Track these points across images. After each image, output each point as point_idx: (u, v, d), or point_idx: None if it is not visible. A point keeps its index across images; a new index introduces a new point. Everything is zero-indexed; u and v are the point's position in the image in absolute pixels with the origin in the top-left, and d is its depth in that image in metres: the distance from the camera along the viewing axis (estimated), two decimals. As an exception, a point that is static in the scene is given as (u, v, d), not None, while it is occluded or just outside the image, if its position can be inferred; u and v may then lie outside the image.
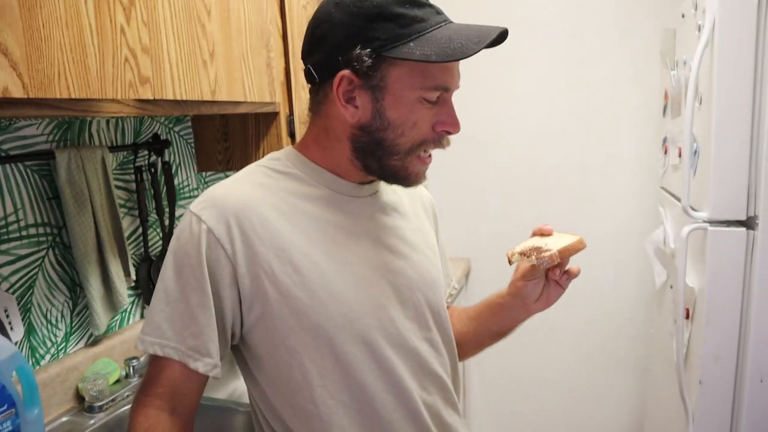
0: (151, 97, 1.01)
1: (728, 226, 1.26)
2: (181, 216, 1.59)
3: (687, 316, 1.37)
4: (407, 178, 0.82)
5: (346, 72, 0.76)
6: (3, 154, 1.11)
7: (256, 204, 0.78)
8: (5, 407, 0.97)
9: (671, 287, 1.57)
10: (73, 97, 0.85)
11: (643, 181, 2.13)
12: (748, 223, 1.25)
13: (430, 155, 0.82)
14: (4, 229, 1.12)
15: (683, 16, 1.49)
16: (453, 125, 0.80)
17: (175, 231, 0.79)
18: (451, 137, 0.83)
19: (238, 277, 0.76)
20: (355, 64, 0.75)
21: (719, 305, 1.26)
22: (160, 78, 1.03)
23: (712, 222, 1.27)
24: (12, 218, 1.13)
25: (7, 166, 1.12)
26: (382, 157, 0.80)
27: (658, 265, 1.72)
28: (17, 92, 0.76)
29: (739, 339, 1.25)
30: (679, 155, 1.51)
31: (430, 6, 0.78)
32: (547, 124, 2.22)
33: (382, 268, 0.84)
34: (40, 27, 0.79)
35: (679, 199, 1.52)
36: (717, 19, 1.19)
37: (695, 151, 1.34)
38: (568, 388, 2.34)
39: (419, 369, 0.85)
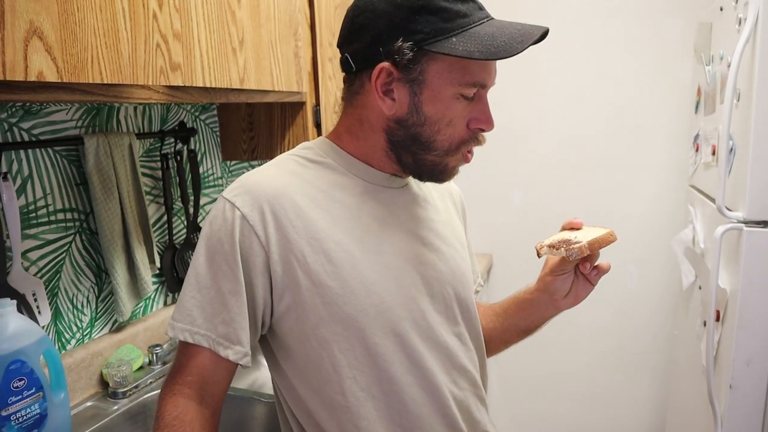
0: (181, 84, 1.00)
1: (764, 227, 1.22)
2: (206, 204, 1.59)
3: (718, 318, 1.34)
4: (443, 174, 0.82)
5: (386, 64, 0.75)
6: (33, 139, 1.12)
7: (290, 191, 0.78)
8: (33, 390, 0.98)
9: (700, 288, 1.53)
10: (105, 82, 0.85)
11: (672, 178, 2.09)
12: (785, 224, 1.22)
13: (471, 152, 0.82)
14: (34, 214, 1.12)
15: (721, 9, 1.45)
16: (487, 122, 0.79)
17: (208, 217, 0.79)
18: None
19: (270, 264, 0.75)
20: (396, 56, 0.74)
21: (752, 308, 1.23)
22: (191, 65, 1.02)
23: (747, 222, 1.23)
24: (41, 203, 1.14)
25: (38, 150, 1.13)
26: (417, 152, 0.79)
27: (687, 265, 1.69)
28: (51, 76, 0.76)
29: (773, 342, 1.22)
30: (713, 153, 1.47)
31: (473, 1, 0.77)
32: (574, 119, 2.19)
33: (413, 259, 0.83)
34: (74, 11, 0.79)
35: (711, 198, 1.49)
36: (761, 12, 1.15)
37: (731, 150, 1.30)
38: (588, 387, 2.32)
39: (449, 363, 0.84)
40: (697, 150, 1.71)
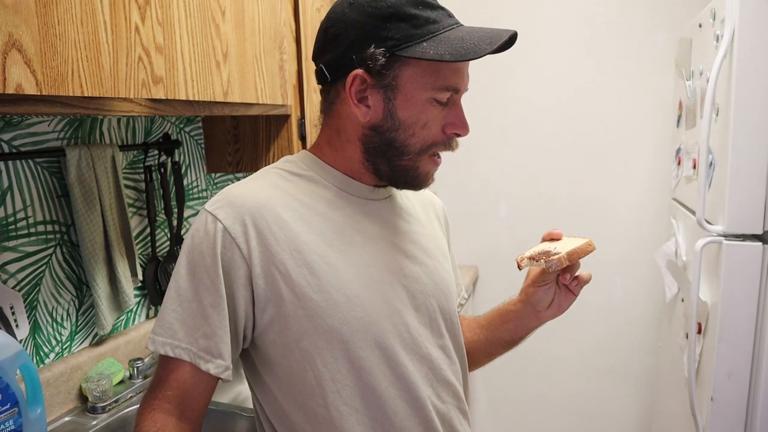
0: (164, 97, 1.00)
1: (743, 240, 1.23)
2: (190, 217, 1.58)
3: (699, 331, 1.35)
4: (417, 179, 0.82)
5: (359, 71, 0.76)
6: (14, 150, 1.11)
7: (272, 204, 0.78)
8: (8, 406, 0.96)
9: (682, 300, 1.54)
10: (86, 95, 0.84)
11: (654, 191, 2.11)
12: (764, 238, 1.23)
13: (440, 157, 0.82)
14: (13, 226, 1.11)
15: (700, 25, 1.47)
16: (462, 127, 0.80)
17: (190, 230, 0.78)
18: (461, 142, 0.84)
19: (252, 277, 0.75)
20: (369, 62, 0.75)
21: (733, 320, 1.24)
22: (173, 78, 1.03)
23: (727, 236, 1.25)
24: (21, 215, 1.13)
25: (18, 162, 1.12)
26: (392, 158, 0.80)
27: (669, 277, 1.70)
28: (30, 89, 0.76)
29: (753, 355, 1.23)
30: (694, 167, 1.49)
31: (442, 8, 0.79)
32: (558, 131, 2.21)
33: (397, 272, 0.83)
34: (55, 24, 0.79)
35: (692, 211, 1.50)
36: (737, 29, 1.17)
37: (711, 164, 1.32)
38: (576, 401, 2.32)
39: (432, 376, 0.84)
40: (679, 163, 1.73)
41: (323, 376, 0.76)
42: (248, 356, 0.82)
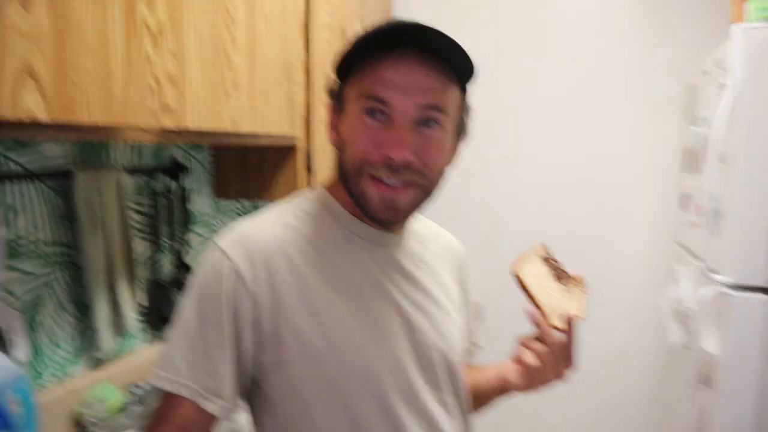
0: (173, 126, 1.02)
1: (750, 292, 1.21)
2: (196, 244, 1.59)
3: (705, 383, 1.32)
4: (368, 206, 0.77)
5: (331, 102, 0.83)
6: (24, 171, 1.12)
7: (285, 246, 0.77)
8: (2, 429, 0.96)
9: (687, 348, 1.52)
10: (95, 122, 0.86)
11: (658, 234, 2.10)
12: (771, 290, 1.22)
13: (383, 182, 0.75)
14: (17, 245, 1.12)
15: (705, 73, 1.49)
16: (389, 147, 0.73)
17: (200, 264, 0.78)
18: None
19: (259, 319, 0.74)
20: (331, 92, 0.82)
21: (739, 374, 1.22)
22: (183, 107, 1.04)
23: (733, 287, 1.23)
24: (26, 235, 1.13)
25: (27, 182, 1.13)
26: (345, 182, 0.80)
27: (673, 323, 1.68)
28: (42, 115, 0.78)
29: (760, 410, 1.20)
30: (699, 213, 1.48)
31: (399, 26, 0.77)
32: (564, 172, 2.21)
33: (403, 323, 0.81)
34: (69, 53, 0.81)
35: (697, 257, 1.49)
36: (741, 80, 1.18)
37: (716, 212, 1.31)
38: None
39: (431, 431, 0.82)
40: (683, 208, 1.73)
41: (319, 425, 0.75)
42: (252, 396, 0.81)
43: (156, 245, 1.44)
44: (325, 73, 1.61)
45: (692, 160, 1.62)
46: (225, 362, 0.73)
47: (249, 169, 1.61)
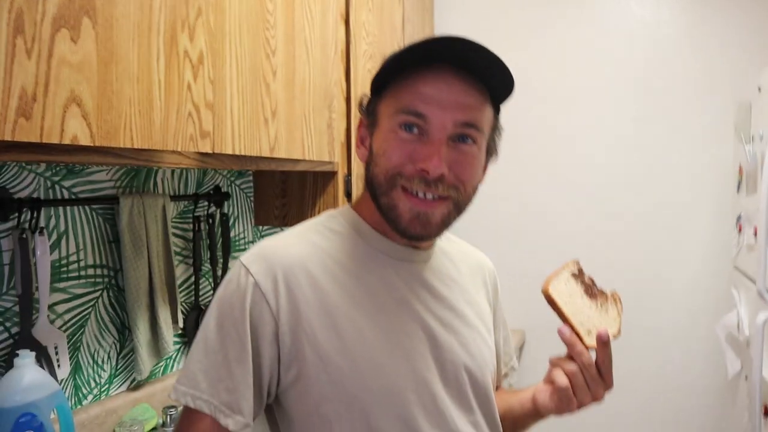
0: (210, 151, 1.04)
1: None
2: (233, 267, 1.61)
3: (765, 413, 1.23)
4: (399, 219, 0.76)
5: (361, 117, 0.84)
6: (73, 197, 1.18)
7: (307, 262, 0.77)
8: (41, 445, 0.98)
9: (746, 378, 1.42)
10: (135, 147, 0.89)
11: (715, 260, 2.00)
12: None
13: (417, 195, 0.75)
14: (65, 268, 1.17)
15: (760, 89, 1.42)
16: (424, 160, 0.73)
17: (224, 280, 0.79)
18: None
19: (279, 335, 0.74)
20: (361, 107, 0.84)
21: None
22: (221, 133, 1.07)
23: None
24: (73, 257, 1.18)
25: (76, 207, 1.19)
26: (375, 195, 0.79)
27: (731, 352, 1.58)
28: (85, 140, 0.81)
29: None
30: (755, 234, 1.40)
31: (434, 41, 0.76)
32: (614, 195, 2.15)
33: (429, 340, 0.79)
34: (113, 81, 0.85)
35: (754, 281, 1.40)
36: (795, 94, 1.13)
37: (772, 232, 1.24)
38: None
39: None
40: (740, 231, 1.64)
41: None
42: (271, 412, 0.81)
43: (197, 270, 1.47)
44: (363, 99, 1.63)
45: (748, 180, 1.54)
46: (245, 378, 0.73)
47: (289, 195, 1.63)
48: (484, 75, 0.75)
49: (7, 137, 0.72)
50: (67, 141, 0.79)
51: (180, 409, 1.33)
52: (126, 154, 0.90)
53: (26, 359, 0.98)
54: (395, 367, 0.75)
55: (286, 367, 0.74)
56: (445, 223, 0.79)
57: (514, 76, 0.76)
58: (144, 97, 0.90)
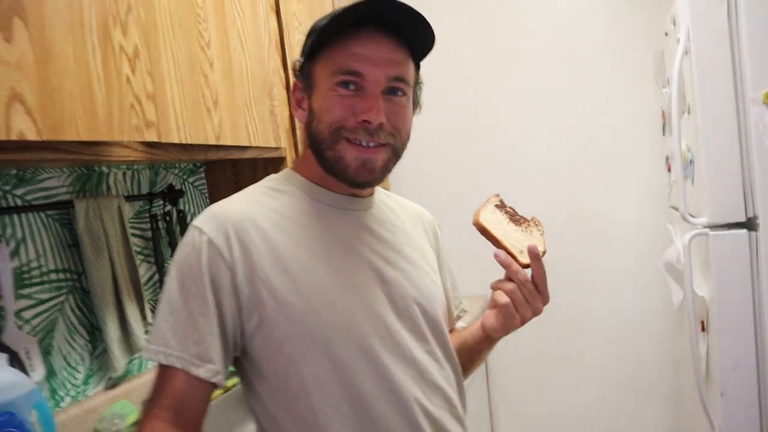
0: (156, 140, 1.08)
1: (729, 229, 1.25)
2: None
3: (702, 329, 1.34)
4: (346, 169, 0.84)
5: (296, 81, 0.90)
6: (27, 204, 1.20)
7: (255, 217, 0.84)
8: (24, 442, 1.00)
9: (686, 301, 1.54)
10: (82, 139, 0.93)
11: (651, 201, 2.14)
12: (749, 225, 1.25)
13: (362, 144, 0.83)
14: (27, 275, 1.19)
15: (666, 34, 1.54)
16: (365, 112, 0.81)
17: (179, 245, 0.84)
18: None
19: (237, 285, 0.80)
20: (297, 72, 0.90)
21: (731, 312, 1.24)
22: (165, 123, 1.11)
23: (712, 226, 1.27)
24: (34, 264, 1.20)
25: (30, 214, 1.21)
26: (319, 150, 0.86)
27: (674, 284, 1.70)
28: (31, 135, 0.84)
29: (757, 344, 1.22)
30: (668, 170, 1.52)
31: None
32: (554, 152, 2.27)
33: (378, 278, 0.87)
34: (52, 77, 0.88)
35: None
36: (691, 29, 1.24)
37: (690, 161, 1.35)
38: (599, 419, 2.27)
39: (421, 379, 0.85)
40: (669, 170, 1.76)
41: (307, 380, 0.79)
42: (241, 366, 0.86)
43: (159, 267, 1.50)
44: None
45: (667, 121, 1.66)
46: (210, 329, 0.78)
47: (241, 183, 1.67)
48: (408, 33, 0.84)
49: (-46, 138, 0.76)
50: (14, 137, 0.82)
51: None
52: (75, 149, 0.94)
53: (0, 359, 1.00)
54: (348, 303, 0.82)
55: (247, 315, 0.80)
56: (387, 168, 0.87)
57: (434, 33, 0.84)
58: (85, 91, 0.94)
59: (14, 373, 1.03)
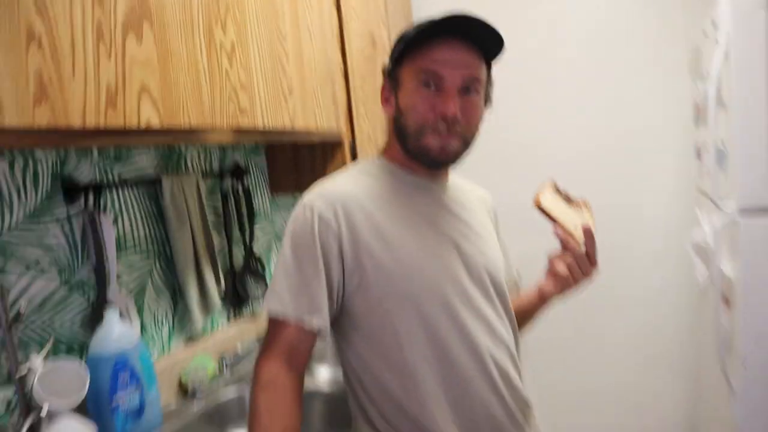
0: (248, 126, 1.22)
1: (758, 215, 1.36)
2: (261, 236, 1.80)
3: (726, 304, 1.47)
4: (429, 153, 0.99)
5: (384, 80, 1.06)
6: (122, 180, 1.35)
7: (357, 195, 0.99)
8: (135, 384, 1.17)
9: (711, 280, 1.66)
10: (192, 126, 1.07)
11: (680, 188, 2.25)
12: (777, 212, 1.36)
13: (443, 133, 0.97)
14: (123, 242, 1.34)
15: (705, 35, 1.64)
16: (443, 107, 0.96)
17: (290, 219, 1.00)
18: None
19: (343, 252, 0.95)
20: (386, 73, 1.05)
21: (755, 289, 1.36)
22: (253, 110, 1.25)
23: (740, 211, 1.38)
24: (129, 233, 1.36)
25: (126, 190, 1.36)
26: (405, 141, 1.01)
27: (700, 263, 1.82)
28: (155, 123, 0.99)
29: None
30: (709, 159, 1.63)
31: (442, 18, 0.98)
32: (588, 142, 2.37)
33: (456, 248, 1.02)
34: (170, 72, 1.02)
35: (712, 199, 1.64)
36: (731, 33, 1.34)
37: (722, 152, 1.46)
38: (623, 396, 2.40)
39: (488, 331, 1.00)
40: (699, 158, 1.87)
41: (400, 331, 0.95)
42: (338, 321, 1.01)
43: (229, 238, 1.65)
44: (359, 75, 1.81)
45: (701, 114, 1.76)
46: (320, 287, 0.94)
47: (300, 166, 1.82)
48: (481, 40, 0.98)
49: (101, 124, 0.90)
50: (143, 124, 0.96)
51: (232, 356, 1.53)
52: (183, 134, 1.08)
53: (114, 314, 1.17)
54: (434, 268, 0.97)
55: (350, 277, 0.96)
56: (459, 153, 1.02)
57: (504, 39, 0.98)
58: (194, 83, 1.07)
59: (125, 326, 1.20)
